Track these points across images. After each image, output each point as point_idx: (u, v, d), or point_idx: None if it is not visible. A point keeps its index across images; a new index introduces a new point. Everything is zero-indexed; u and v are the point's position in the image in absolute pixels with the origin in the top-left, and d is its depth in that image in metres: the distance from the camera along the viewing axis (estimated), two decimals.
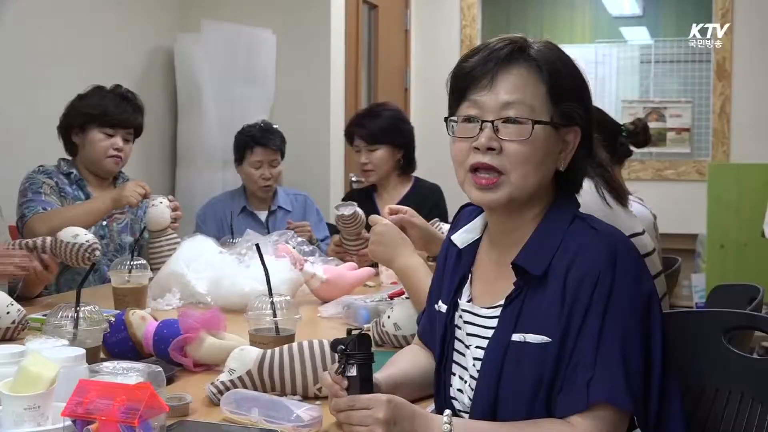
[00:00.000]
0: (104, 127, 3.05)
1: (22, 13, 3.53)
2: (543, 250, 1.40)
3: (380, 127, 3.60)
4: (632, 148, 2.89)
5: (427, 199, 3.61)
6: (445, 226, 2.67)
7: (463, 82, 1.44)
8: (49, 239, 2.50)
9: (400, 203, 3.53)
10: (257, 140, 3.68)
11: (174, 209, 2.96)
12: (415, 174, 3.75)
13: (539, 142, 1.40)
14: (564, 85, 1.42)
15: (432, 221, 3.00)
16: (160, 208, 2.92)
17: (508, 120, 1.39)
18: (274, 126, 3.80)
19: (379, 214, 3.46)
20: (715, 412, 1.61)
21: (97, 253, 2.50)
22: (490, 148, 1.40)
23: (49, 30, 3.66)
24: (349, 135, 3.71)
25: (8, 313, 2.10)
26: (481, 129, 1.40)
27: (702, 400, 1.62)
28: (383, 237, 2.07)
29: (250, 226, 3.27)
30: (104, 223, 3.06)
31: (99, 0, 4.00)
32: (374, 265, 2.98)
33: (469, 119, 1.43)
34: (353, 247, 3.03)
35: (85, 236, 2.49)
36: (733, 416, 1.59)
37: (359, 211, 2.90)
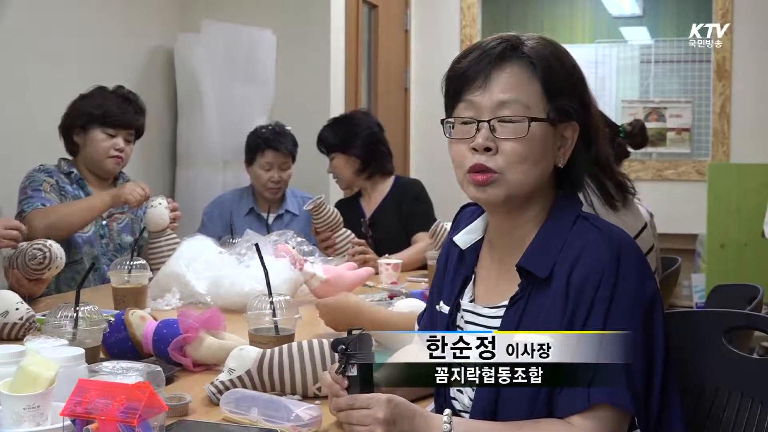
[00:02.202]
0: (106, 128, 3.05)
1: (22, 13, 3.53)
2: (547, 252, 1.40)
3: (332, 137, 3.65)
4: (630, 149, 2.89)
5: (406, 194, 3.67)
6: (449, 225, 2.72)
7: (458, 83, 1.44)
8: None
9: (382, 203, 3.69)
10: (269, 143, 3.68)
11: (172, 210, 2.96)
12: (415, 173, 3.77)
13: (536, 140, 1.40)
14: (558, 81, 1.42)
15: (437, 222, 3.06)
16: (159, 209, 2.92)
17: (503, 119, 1.39)
18: (287, 128, 3.79)
19: (364, 217, 3.63)
20: (715, 412, 1.61)
21: (33, 251, 2.41)
22: (487, 149, 1.40)
23: (49, 30, 3.66)
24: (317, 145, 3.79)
25: (17, 309, 2.11)
26: (477, 129, 1.40)
27: (702, 400, 1.62)
28: (334, 318, 2.12)
29: (256, 228, 3.27)
30: (104, 222, 3.06)
31: (99, 0, 4.00)
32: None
33: (465, 121, 1.43)
34: (325, 243, 3.29)
35: (38, 240, 2.46)
36: (733, 416, 1.58)
37: (328, 206, 3.27)
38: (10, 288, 2.40)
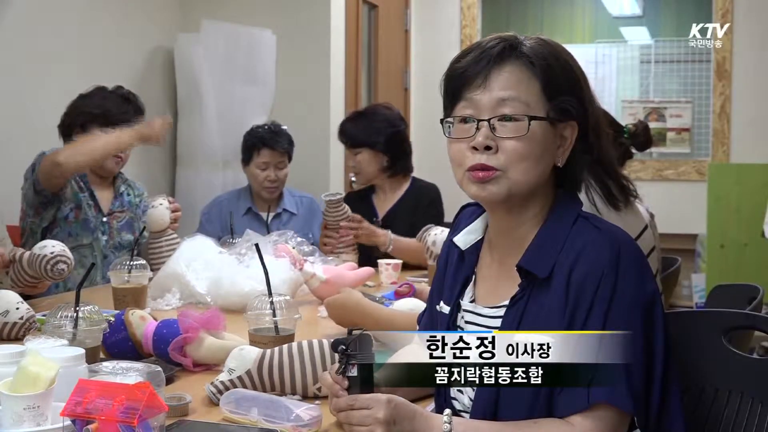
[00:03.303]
0: (106, 127, 3.06)
1: (22, 13, 3.53)
2: (547, 252, 1.40)
3: (360, 131, 3.59)
4: (633, 150, 2.87)
5: (422, 197, 3.64)
6: (438, 231, 2.80)
7: (457, 83, 1.44)
8: (27, 253, 2.38)
9: (397, 204, 3.64)
10: (264, 142, 3.68)
11: (174, 210, 2.97)
12: (415, 173, 3.75)
13: (536, 138, 1.40)
14: (557, 80, 1.42)
15: (426, 227, 3.04)
16: (160, 209, 2.92)
17: (504, 117, 1.40)
18: (283, 127, 3.79)
19: (376, 215, 3.61)
20: (715, 412, 1.61)
21: (61, 266, 2.33)
22: (488, 147, 1.40)
23: (49, 30, 3.66)
24: (339, 136, 3.74)
25: (18, 309, 2.11)
26: (477, 128, 1.41)
27: (702, 400, 1.62)
28: (341, 312, 2.14)
29: (254, 228, 3.27)
30: (105, 219, 3.07)
31: (99, 0, 4.00)
32: (373, 264, 3.04)
33: (464, 119, 1.43)
34: (333, 240, 3.32)
35: (52, 248, 2.34)
36: (733, 416, 1.59)
37: (344, 204, 3.33)
38: (13, 285, 2.39)
